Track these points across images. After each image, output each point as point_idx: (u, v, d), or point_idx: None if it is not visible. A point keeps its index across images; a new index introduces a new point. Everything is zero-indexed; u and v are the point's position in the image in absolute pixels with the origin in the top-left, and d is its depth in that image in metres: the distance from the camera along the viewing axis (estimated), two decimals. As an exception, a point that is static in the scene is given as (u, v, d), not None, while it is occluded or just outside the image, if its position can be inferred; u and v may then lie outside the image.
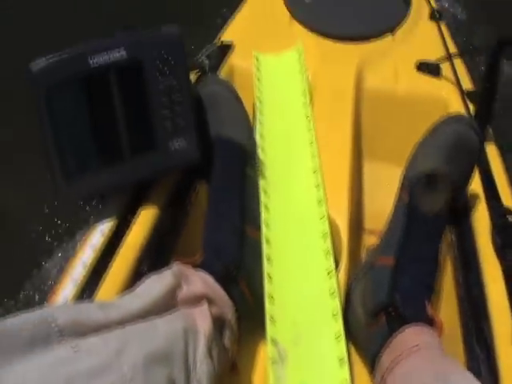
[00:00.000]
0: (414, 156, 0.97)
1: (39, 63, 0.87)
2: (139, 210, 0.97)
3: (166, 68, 0.91)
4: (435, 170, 0.92)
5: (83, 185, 0.93)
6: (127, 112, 0.91)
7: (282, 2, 1.66)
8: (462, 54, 1.44)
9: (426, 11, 1.66)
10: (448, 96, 1.32)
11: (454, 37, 1.62)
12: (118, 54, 0.89)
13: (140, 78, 0.91)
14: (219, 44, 1.48)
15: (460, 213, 1.01)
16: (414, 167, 0.96)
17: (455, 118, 0.98)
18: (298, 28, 1.56)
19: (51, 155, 0.90)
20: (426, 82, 1.38)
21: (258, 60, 1.35)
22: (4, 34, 2.43)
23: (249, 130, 1.08)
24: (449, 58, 1.38)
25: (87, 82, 0.89)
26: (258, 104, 1.21)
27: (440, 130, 0.95)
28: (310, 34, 1.53)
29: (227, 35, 1.54)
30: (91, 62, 0.88)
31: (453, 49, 1.47)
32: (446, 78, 1.36)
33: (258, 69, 1.33)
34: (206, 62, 1.36)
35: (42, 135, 0.89)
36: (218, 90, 1.05)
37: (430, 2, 1.70)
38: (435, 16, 1.62)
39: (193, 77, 1.29)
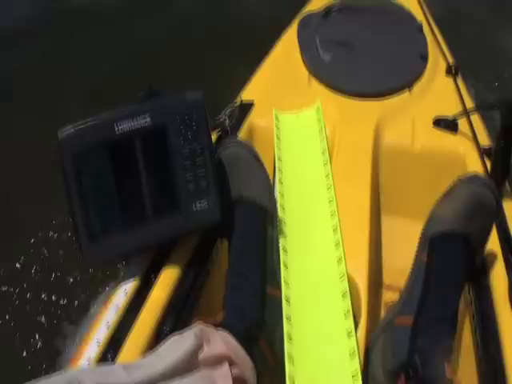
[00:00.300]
0: (432, 215, 0.99)
1: (67, 130, 0.91)
2: (162, 269, 0.99)
3: (189, 133, 0.95)
4: (453, 229, 0.94)
5: (108, 246, 0.95)
6: (151, 175, 0.94)
7: (301, 60, 1.71)
8: (478, 109, 1.45)
9: (442, 66, 1.68)
10: (465, 152, 1.34)
11: (470, 91, 1.65)
12: (143, 121, 0.93)
13: (164, 142, 0.94)
14: (240, 103, 1.52)
15: (478, 271, 1.02)
16: (432, 226, 0.98)
17: (472, 179, 1.00)
18: (316, 86, 1.59)
19: (76, 217, 0.93)
20: (442, 137, 1.40)
21: (277, 118, 1.39)
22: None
23: (269, 190, 1.10)
24: (465, 113, 1.40)
25: (113, 148, 0.93)
26: (277, 162, 1.24)
27: (458, 189, 0.97)
28: (328, 91, 1.56)
29: (247, 94, 1.59)
30: (117, 128, 0.91)
31: (469, 104, 1.49)
32: (463, 134, 1.38)
33: (278, 127, 1.36)
34: (227, 121, 1.40)
35: (67, 197, 0.93)
36: (239, 152, 1.08)
37: (446, 57, 1.73)
38: (451, 71, 1.65)
39: (214, 136, 1.33)
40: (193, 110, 0.95)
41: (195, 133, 0.95)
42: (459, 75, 1.66)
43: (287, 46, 1.83)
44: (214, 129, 1.36)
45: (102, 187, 0.94)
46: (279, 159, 1.25)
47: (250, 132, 1.44)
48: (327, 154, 1.27)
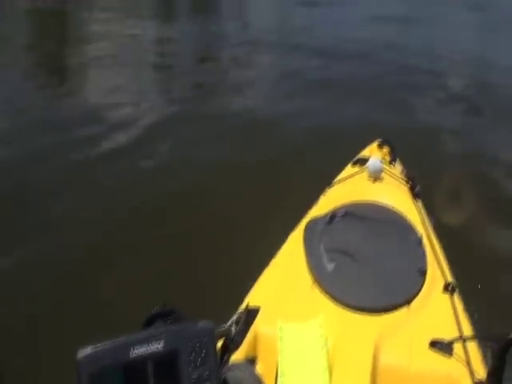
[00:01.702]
0: None
1: (85, 351, 0.98)
2: None
3: (198, 359, 1.01)
4: None
5: None
6: (161, 397, 0.99)
7: (306, 265, 1.79)
8: (473, 338, 1.50)
9: (440, 281, 1.75)
10: (458, 378, 1.37)
11: (468, 309, 1.70)
12: (157, 346, 0.99)
13: (174, 366, 1.00)
14: (246, 308, 1.58)
15: None
16: None
17: None
18: (318, 295, 1.66)
19: None
20: (438, 360, 1.44)
21: (282, 330, 1.45)
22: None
23: None
24: (461, 339, 1.45)
25: (127, 369, 0.98)
26: (281, 377, 1.28)
27: None
28: (329, 302, 1.63)
29: (254, 298, 1.66)
30: (132, 352, 0.98)
31: (466, 326, 1.55)
32: (458, 359, 1.42)
33: (282, 339, 1.42)
34: (234, 327, 1.46)
35: None
36: (243, 377, 1.13)
37: (444, 273, 1.80)
38: (449, 288, 1.72)
39: (219, 343, 1.38)
40: (203, 338, 1.02)
41: (204, 359, 1.02)
42: (457, 292, 1.73)
43: (293, 249, 1.92)
44: (220, 337, 1.41)
45: (113, 405, 0.98)
46: (282, 375, 1.30)
47: (255, 339, 1.49)
48: (327, 373, 1.31)
